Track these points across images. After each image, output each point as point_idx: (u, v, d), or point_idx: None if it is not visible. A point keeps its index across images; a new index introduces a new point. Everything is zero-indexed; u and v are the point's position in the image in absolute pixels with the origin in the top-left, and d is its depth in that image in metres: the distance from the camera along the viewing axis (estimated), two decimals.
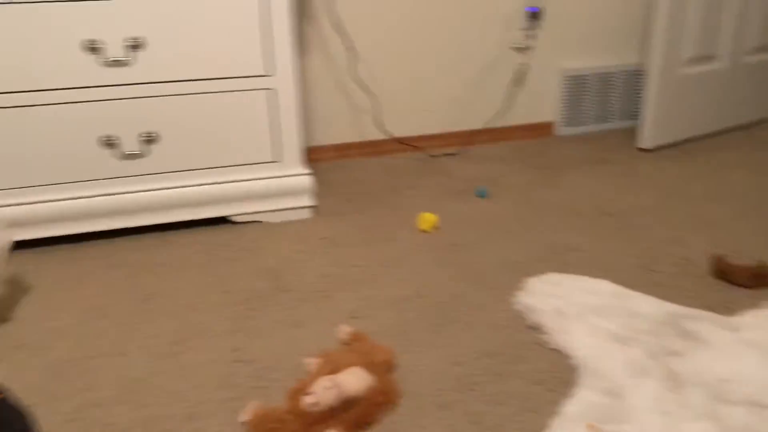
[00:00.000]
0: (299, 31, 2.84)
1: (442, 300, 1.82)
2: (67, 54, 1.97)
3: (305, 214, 2.38)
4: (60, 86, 2.00)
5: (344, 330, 1.60)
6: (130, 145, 2.12)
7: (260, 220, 2.34)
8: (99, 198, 2.13)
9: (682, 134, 3.17)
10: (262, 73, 2.17)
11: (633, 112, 3.46)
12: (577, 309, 1.67)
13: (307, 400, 1.28)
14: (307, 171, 2.32)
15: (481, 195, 2.59)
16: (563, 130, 3.39)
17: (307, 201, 2.35)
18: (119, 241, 2.22)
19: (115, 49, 2.00)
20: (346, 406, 1.31)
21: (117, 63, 2.02)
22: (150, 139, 2.13)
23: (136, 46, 2.02)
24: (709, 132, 3.28)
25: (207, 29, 2.06)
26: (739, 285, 1.86)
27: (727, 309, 1.74)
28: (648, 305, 1.70)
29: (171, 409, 1.38)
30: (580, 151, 3.14)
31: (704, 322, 1.60)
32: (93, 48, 1.99)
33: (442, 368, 1.52)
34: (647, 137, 3.05)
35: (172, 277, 1.98)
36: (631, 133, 3.24)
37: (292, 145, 2.28)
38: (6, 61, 1.94)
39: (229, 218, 2.33)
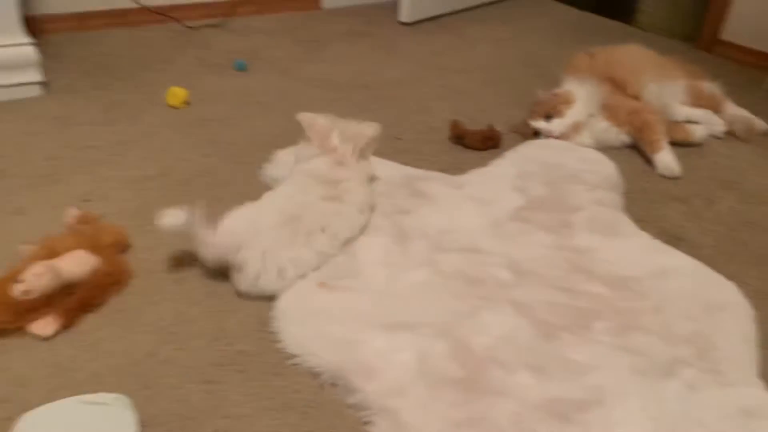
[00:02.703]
0: None
1: (188, 177, 1.75)
2: None
3: (33, 92, 2.09)
4: None
5: (71, 213, 1.47)
6: None
7: None
8: None
9: (439, 9, 3.28)
10: None
11: None
12: None
13: (18, 288, 1.17)
14: (29, 40, 2.02)
15: (240, 68, 2.47)
16: (330, 3, 3.33)
17: (34, 76, 2.07)
18: None
19: None
20: (66, 290, 1.22)
21: None
22: None
23: None
24: (463, 7, 3.43)
25: None
26: (472, 148, 2.02)
27: (458, 170, 1.89)
28: (389, 169, 1.78)
29: None
30: (346, 24, 3.12)
31: (434, 182, 1.72)
32: None
33: (182, 243, 1.47)
34: (406, 12, 3.11)
35: None
36: (395, 7, 3.28)
37: (7, 7, 1.95)
38: None
39: None
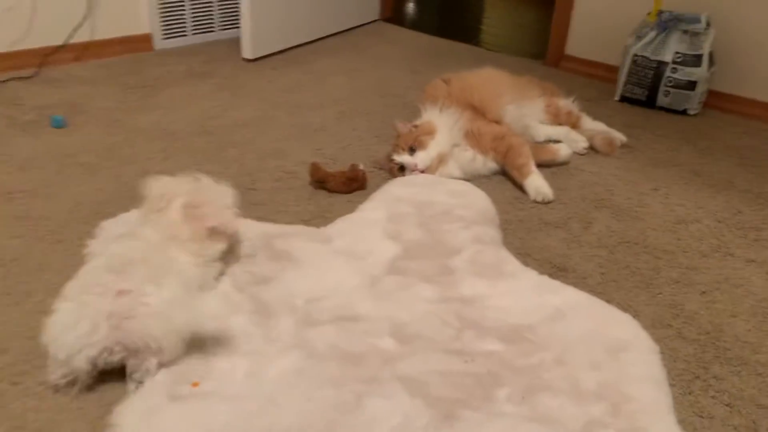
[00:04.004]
0: None
1: None
2: None
3: None
4: None
5: None
6: None
7: None
8: None
9: (284, 43, 3.09)
10: None
11: (235, 21, 3.25)
12: None
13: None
14: None
15: (58, 125, 2.12)
16: (164, 43, 3.03)
17: None
18: None
19: None
20: None
21: None
22: None
23: None
24: (309, 39, 3.26)
25: None
26: (336, 191, 1.83)
27: (323, 219, 1.68)
28: (241, 228, 1.53)
29: None
30: (183, 64, 2.83)
31: (297, 239, 1.50)
32: None
33: None
34: (249, 48, 2.88)
35: None
36: (236, 44, 3.04)
37: None
38: None
39: None
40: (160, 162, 1.94)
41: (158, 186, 1.33)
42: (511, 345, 1.20)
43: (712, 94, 2.59)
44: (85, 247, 1.45)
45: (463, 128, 1.94)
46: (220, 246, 1.31)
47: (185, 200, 1.30)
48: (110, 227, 1.51)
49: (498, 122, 2.05)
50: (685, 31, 2.47)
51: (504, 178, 1.96)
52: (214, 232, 1.30)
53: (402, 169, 1.89)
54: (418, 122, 1.96)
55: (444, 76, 2.19)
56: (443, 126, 1.92)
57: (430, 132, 1.90)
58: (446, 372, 1.13)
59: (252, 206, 1.72)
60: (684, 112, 2.55)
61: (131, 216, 1.56)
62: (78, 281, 1.15)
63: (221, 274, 1.33)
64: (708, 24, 2.46)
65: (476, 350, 1.18)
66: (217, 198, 1.35)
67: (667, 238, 1.69)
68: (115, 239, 1.30)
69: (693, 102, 2.52)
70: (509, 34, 3.92)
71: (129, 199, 1.71)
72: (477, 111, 2.04)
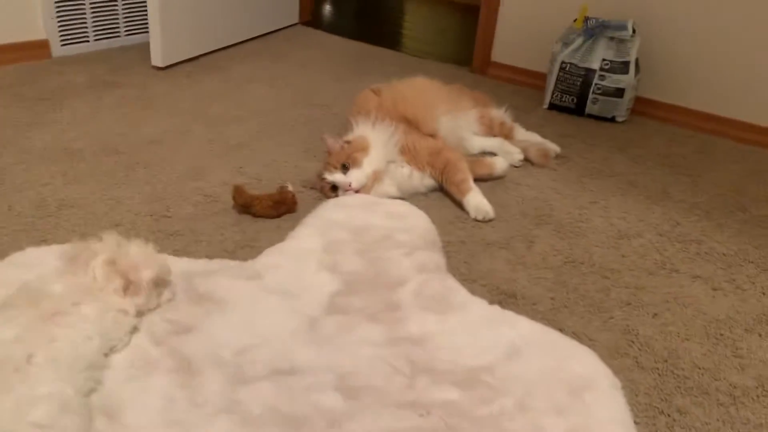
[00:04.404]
0: None
1: None
2: None
3: None
4: None
5: None
6: None
7: None
8: None
9: (199, 48, 2.88)
10: None
11: (144, 25, 3.01)
12: None
13: None
14: None
15: None
16: (63, 49, 2.75)
17: None
18: None
19: None
20: None
21: None
22: None
23: None
24: (226, 44, 3.06)
25: None
26: (263, 216, 1.67)
27: (250, 249, 1.52)
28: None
29: None
30: (85, 74, 2.58)
31: (221, 277, 1.33)
32: None
33: None
34: (160, 54, 2.66)
35: None
36: (145, 50, 2.80)
37: None
38: None
39: None
40: (60, 187, 1.71)
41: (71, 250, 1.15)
42: (468, 391, 1.09)
43: (638, 100, 2.60)
44: None
45: (399, 143, 1.83)
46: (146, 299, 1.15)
47: (107, 256, 1.13)
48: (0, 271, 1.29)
49: (433, 135, 1.95)
50: (612, 38, 2.46)
51: (442, 195, 1.87)
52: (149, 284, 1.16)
53: (335, 188, 1.76)
54: (350, 137, 1.83)
55: (374, 87, 2.07)
56: (377, 141, 1.80)
57: (364, 148, 1.77)
58: (400, 430, 1.00)
59: (168, 237, 1.54)
60: (612, 120, 2.54)
61: (27, 257, 1.35)
62: None
63: (133, 328, 1.15)
64: (634, 31, 2.46)
65: (431, 400, 1.07)
66: (140, 249, 1.19)
67: (612, 255, 1.64)
68: None
69: (621, 109, 2.51)
70: (432, 40, 3.85)
71: (23, 233, 1.49)
72: (410, 124, 1.93)
